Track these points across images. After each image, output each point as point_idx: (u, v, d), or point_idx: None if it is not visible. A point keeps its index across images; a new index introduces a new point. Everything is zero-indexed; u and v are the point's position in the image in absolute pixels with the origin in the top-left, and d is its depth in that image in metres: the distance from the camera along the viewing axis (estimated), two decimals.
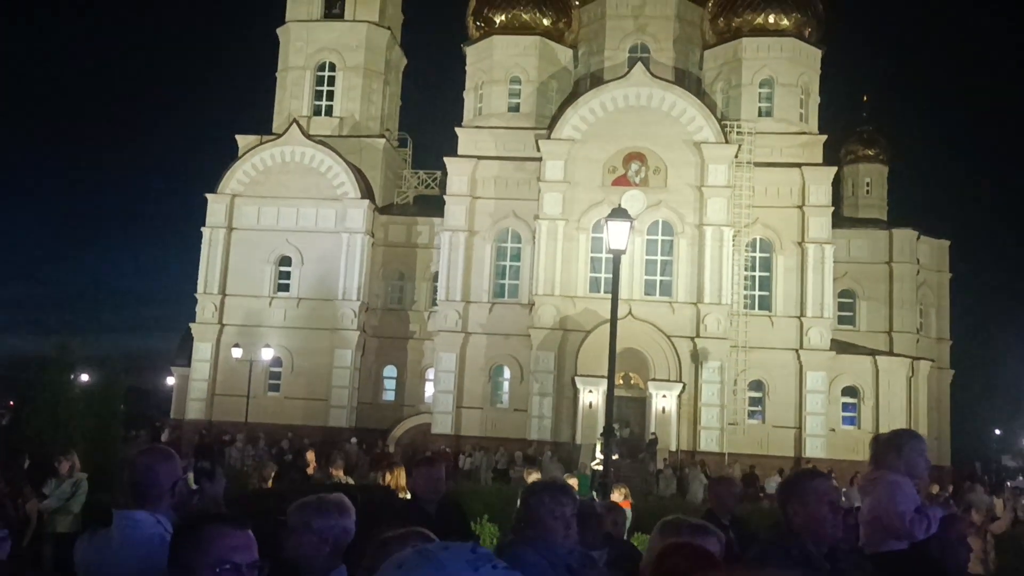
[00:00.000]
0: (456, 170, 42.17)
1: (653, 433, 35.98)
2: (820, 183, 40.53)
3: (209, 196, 44.90)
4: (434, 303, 43.06)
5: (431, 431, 40.20)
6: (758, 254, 40.58)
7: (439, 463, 7.09)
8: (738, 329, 38.98)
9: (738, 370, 38.92)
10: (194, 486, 6.91)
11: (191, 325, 44.47)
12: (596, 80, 43.16)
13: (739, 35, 42.70)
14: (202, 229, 44.70)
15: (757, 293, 40.37)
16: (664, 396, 37.08)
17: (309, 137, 44.88)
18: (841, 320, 42.92)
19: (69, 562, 3.86)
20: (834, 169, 42.00)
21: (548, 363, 38.52)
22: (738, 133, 40.55)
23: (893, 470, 4.87)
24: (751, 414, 39.68)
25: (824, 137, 42.31)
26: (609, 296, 13.90)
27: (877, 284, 43.88)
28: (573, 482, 10.55)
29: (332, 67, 47.25)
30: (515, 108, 43.55)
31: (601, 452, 22.11)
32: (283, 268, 44.50)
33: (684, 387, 37.39)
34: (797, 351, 39.30)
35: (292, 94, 47.01)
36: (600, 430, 27.56)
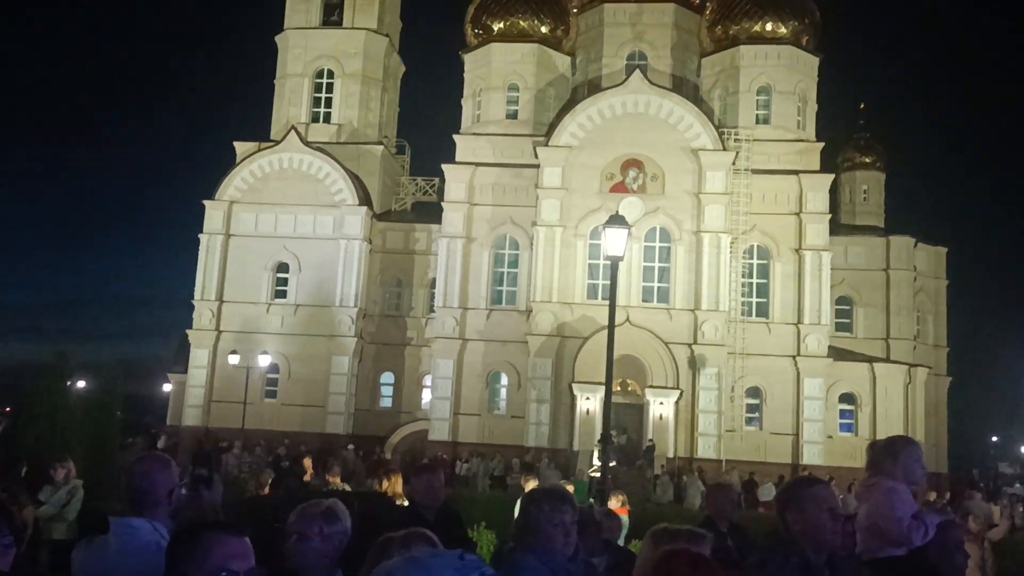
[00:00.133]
0: (454, 177, 42.21)
1: (651, 440, 35.96)
2: (817, 190, 40.60)
3: (207, 203, 44.89)
4: (431, 310, 43.05)
5: (428, 438, 40.15)
6: (755, 261, 40.62)
7: (438, 470, 7.08)
8: (735, 336, 39.00)
9: (735, 377, 38.92)
10: (183, 491, 6.89)
11: (188, 332, 44.43)
12: (594, 87, 43.24)
13: (736, 43, 42.82)
14: (200, 236, 44.67)
15: (754, 300, 40.39)
16: (661, 403, 37.07)
17: (307, 144, 44.90)
18: (838, 327, 42.94)
19: (65, 569, 3.85)
20: (831, 176, 42.09)
21: (545, 370, 38.51)
22: (736, 140, 40.62)
23: (890, 477, 4.88)
24: (748, 421, 39.67)
25: (821, 144, 42.40)
26: (607, 303, 13.92)
27: (874, 291, 43.94)
28: (570, 489, 10.54)
29: (330, 74, 47.30)
30: (513, 115, 43.62)
31: (599, 459, 22.11)
32: (280, 275, 44.49)
33: (681, 394, 37.38)
34: (794, 358, 39.32)
35: (290, 101, 47.05)
36: (597, 437, 27.53)
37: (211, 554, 2.73)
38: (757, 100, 42.44)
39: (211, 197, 44.89)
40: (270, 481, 13.42)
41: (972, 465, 58.02)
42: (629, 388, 38.50)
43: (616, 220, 13.50)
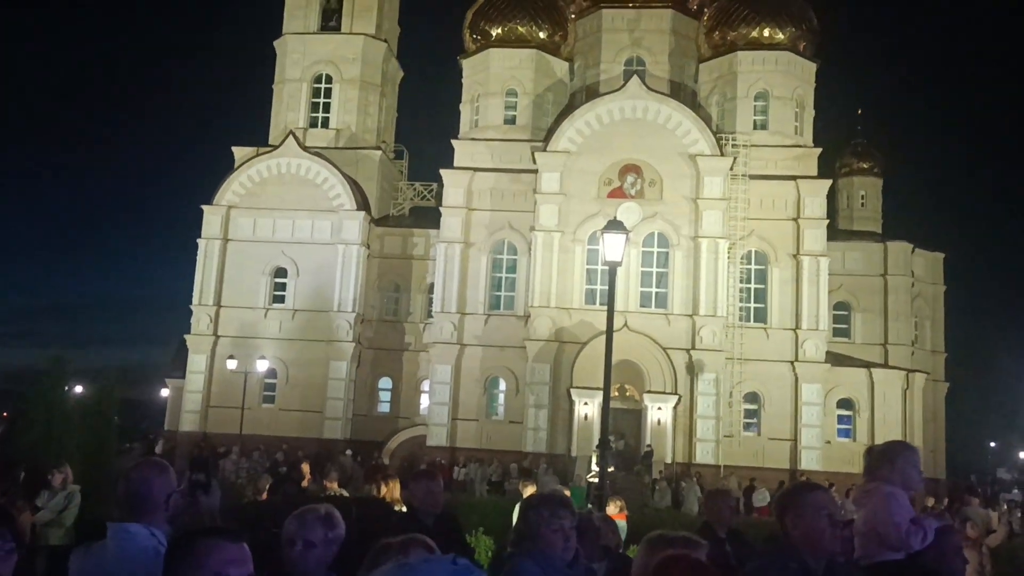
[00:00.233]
0: (452, 182, 42.24)
1: (649, 445, 35.95)
2: (815, 196, 40.66)
3: (205, 207, 44.88)
4: (430, 315, 43.02)
5: (426, 443, 40.11)
6: (753, 266, 40.65)
7: (438, 476, 7.06)
8: (733, 341, 39.01)
9: (733, 382, 38.92)
10: (180, 497, 6.87)
11: (186, 336, 44.37)
12: (592, 93, 43.31)
13: (734, 48, 42.91)
14: (198, 240, 44.66)
15: (752, 305, 40.41)
16: (660, 408, 37.06)
17: (305, 149, 44.92)
18: (836, 332, 42.97)
19: (63, 575, 3.84)
20: (829, 182, 42.14)
21: (544, 375, 38.50)
22: (733, 146, 40.68)
23: (887, 482, 4.87)
24: (746, 426, 39.66)
25: (819, 150, 42.47)
26: (605, 308, 13.92)
27: (872, 296, 43.98)
28: (567, 494, 10.51)
29: (329, 79, 47.34)
30: (511, 120, 43.66)
31: (597, 464, 22.09)
32: (279, 280, 44.47)
33: (680, 399, 37.38)
34: (792, 363, 39.33)
35: (289, 106, 47.07)
36: (596, 442, 27.50)
37: (209, 560, 2.73)
38: (755, 106, 42.52)
39: (209, 202, 44.88)
40: (268, 486, 13.38)
41: (970, 471, 58.01)
42: (627, 393, 38.49)
43: (614, 225, 13.52)
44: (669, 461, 36.07)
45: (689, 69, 45.06)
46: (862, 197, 49.78)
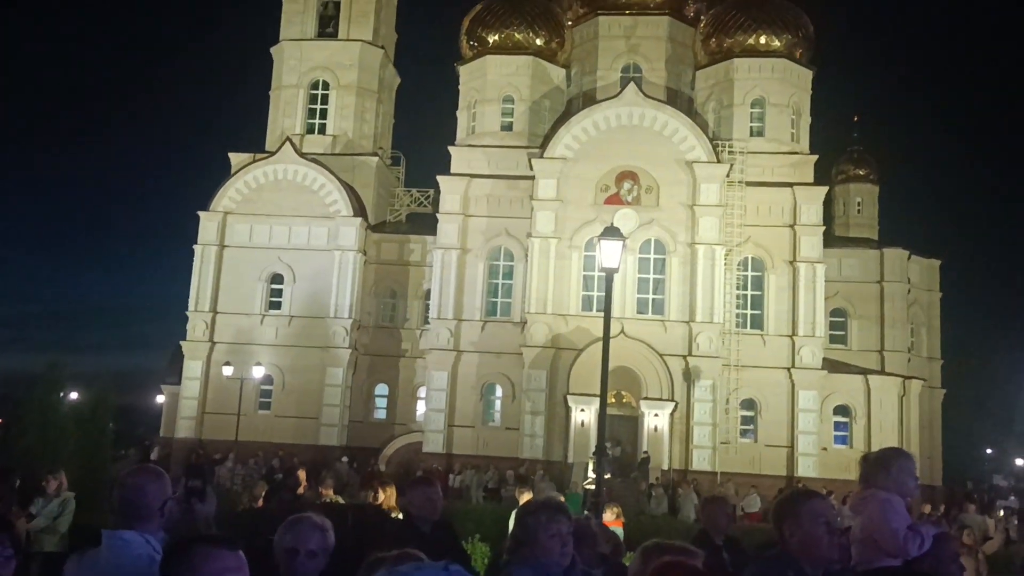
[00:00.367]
0: (449, 188, 42.26)
1: (645, 452, 35.91)
2: (811, 203, 40.73)
3: (201, 213, 44.84)
4: (426, 321, 42.99)
5: (422, 450, 40.04)
6: (750, 273, 40.68)
7: (436, 483, 7.02)
8: (730, 348, 39.01)
9: (730, 389, 38.92)
10: (176, 504, 6.84)
11: (182, 343, 44.29)
12: (589, 99, 43.37)
13: (730, 56, 43.00)
14: (194, 247, 44.61)
15: (749, 312, 40.43)
16: (656, 415, 37.03)
17: (302, 155, 44.91)
18: (833, 339, 42.97)
19: None
20: (825, 189, 42.22)
21: (540, 381, 38.46)
22: (730, 152, 40.75)
23: (883, 489, 4.87)
24: (743, 433, 39.64)
25: (815, 157, 42.55)
26: (601, 314, 13.92)
27: (868, 303, 44.02)
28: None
29: (325, 85, 47.38)
30: (508, 127, 43.71)
31: (593, 471, 22.04)
32: (275, 286, 44.42)
33: (676, 406, 37.35)
34: (789, 370, 39.34)
35: (285, 112, 47.08)
36: (592, 449, 27.46)
37: (205, 567, 2.72)
38: (751, 113, 42.60)
39: (206, 208, 44.85)
40: (263, 493, 13.34)
41: (966, 477, 58.00)
42: (624, 400, 38.46)
43: (611, 232, 13.52)
44: (666, 468, 36.01)
45: (686, 76, 45.16)
46: (858, 204, 49.90)
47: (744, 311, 40.28)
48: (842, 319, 44.16)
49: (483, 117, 44.01)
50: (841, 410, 40.46)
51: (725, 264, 38.98)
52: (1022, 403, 65.12)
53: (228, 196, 44.94)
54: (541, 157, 40.19)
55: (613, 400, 36.46)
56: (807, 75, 43.72)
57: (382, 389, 44.73)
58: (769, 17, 43.15)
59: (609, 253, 13.30)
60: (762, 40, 43.01)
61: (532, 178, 40.29)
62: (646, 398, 37.17)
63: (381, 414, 44.64)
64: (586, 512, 14.63)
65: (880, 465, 4.97)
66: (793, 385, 39.28)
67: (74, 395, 22.57)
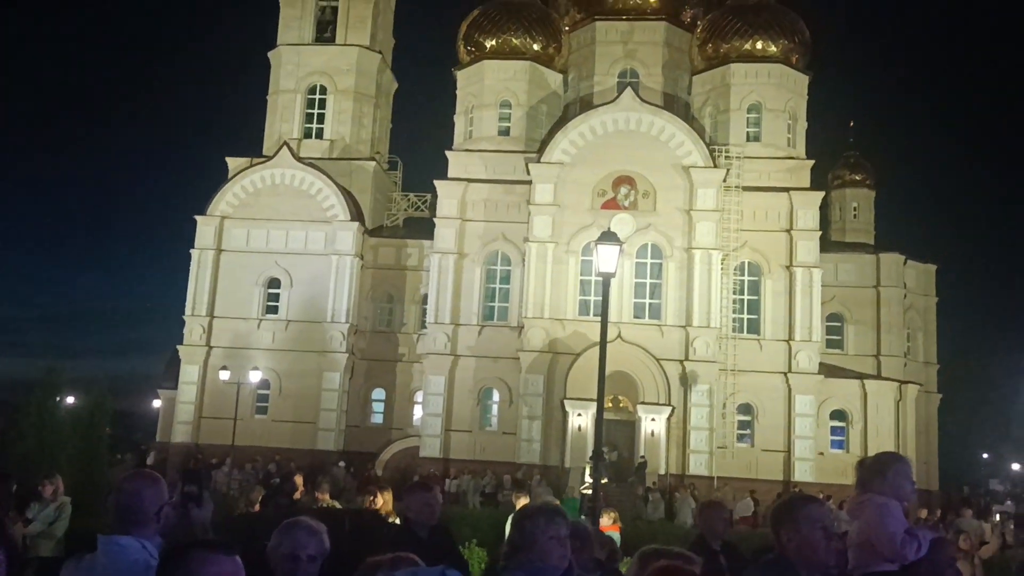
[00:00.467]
0: (446, 193, 42.28)
1: (642, 456, 35.88)
2: (808, 207, 40.80)
3: (198, 218, 44.81)
4: (423, 326, 42.97)
5: (419, 454, 39.98)
6: (746, 278, 40.73)
7: (434, 488, 7.01)
8: (727, 352, 39.03)
9: (727, 393, 38.93)
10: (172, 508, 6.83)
11: (178, 347, 44.22)
12: (586, 105, 43.42)
13: (727, 61, 43.09)
14: (191, 251, 44.57)
15: (746, 316, 40.47)
16: (653, 419, 37.03)
17: (299, 160, 44.92)
18: (829, 344, 43.05)
19: None
20: (821, 194, 42.29)
21: (537, 386, 38.44)
22: (726, 157, 40.81)
23: (880, 494, 4.88)
24: (740, 437, 39.66)
25: (811, 162, 42.64)
26: (598, 319, 13.91)
27: (864, 308, 44.08)
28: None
29: (323, 90, 47.40)
30: (505, 132, 43.74)
31: (590, 476, 22.03)
32: (272, 290, 44.38)
33: (673, 410, 37.36)
34: (785, 374, 39.37)
35: (283, 117, 47.09)
36: (589, 454, 27.47)
37: (201, 572, 2.72)
38: (748, 118, 42.68)
39: (203, 212, 44.82)
40: (260, 498, 13.33)
41: (963, 482, 58.01)
42: (621, 404, 38.46)
43: (608, 237, 13.53)
44: (663, 472, 36.01)
45: (682, 81, 45.23)
46: (855, 209, 50.00)
47: (741, 316, 40.32)
48: (838, 324, 44.23)
49: (480, 122, 44.05)
50: (838, 415, 40.49)
51: (722, 269, 39.01)
52: (1018, 408, 65.24)
53: (225, 200, 44.92)
54: (538, 162, 40.22)
55: (610, 405, 36.45)
56: (803, 80, 43.83)
57: (379, 394, 44.69)
58: (765, 22, 43.26)
59: (606, 258, 13.31)
60: (758, 45, 43.11)
61: (529, 183, 40.32)
62: (643, 403, 37.17)
63: (378, 419, 44.59)
64: (583, 517, 14.62)
65: (877, 470, 4.97)
66: (790, 390, 39.30)
67: (71, 400, 22.55)
